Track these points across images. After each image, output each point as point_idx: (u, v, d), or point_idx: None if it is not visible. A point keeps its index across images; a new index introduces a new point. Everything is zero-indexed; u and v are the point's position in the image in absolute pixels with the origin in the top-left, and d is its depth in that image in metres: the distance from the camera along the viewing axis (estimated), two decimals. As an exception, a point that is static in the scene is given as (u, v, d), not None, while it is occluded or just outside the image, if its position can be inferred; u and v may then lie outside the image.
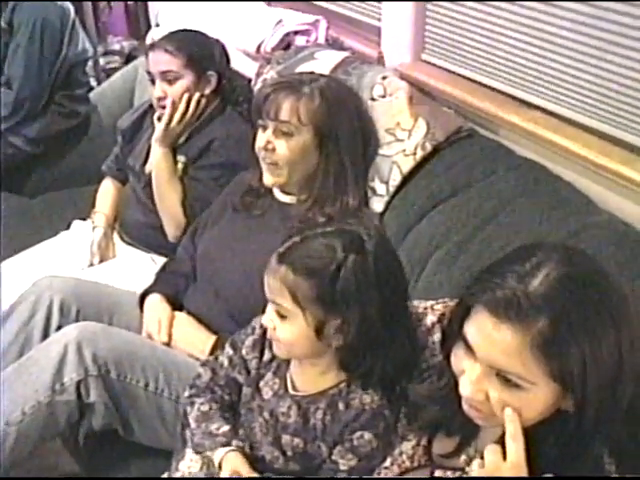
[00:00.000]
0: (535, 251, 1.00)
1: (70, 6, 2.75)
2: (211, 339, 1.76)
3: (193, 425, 1.42)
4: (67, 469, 2.16)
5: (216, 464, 1.36)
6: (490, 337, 0.96)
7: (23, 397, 1.59)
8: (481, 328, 0.97)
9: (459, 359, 1.03)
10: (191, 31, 2.23)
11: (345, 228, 1.26)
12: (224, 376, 1.46)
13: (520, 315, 0.93)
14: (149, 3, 3.70)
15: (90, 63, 3.47)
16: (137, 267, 2.21)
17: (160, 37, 2.20)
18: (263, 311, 1.41)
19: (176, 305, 1.88)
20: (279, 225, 1.79)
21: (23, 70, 2.65)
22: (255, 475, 1.33)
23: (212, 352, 1.70)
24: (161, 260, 2.20)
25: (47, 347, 1.65)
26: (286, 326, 1.25)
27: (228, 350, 1.46)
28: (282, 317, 1.25)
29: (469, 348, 1.00)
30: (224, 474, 1.33)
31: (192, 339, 1.79)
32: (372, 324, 1.22)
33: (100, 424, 1.64)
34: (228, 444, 1.36)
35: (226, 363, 1.46)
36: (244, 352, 1.43)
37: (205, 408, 1.43)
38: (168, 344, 1.79)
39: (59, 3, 2.70)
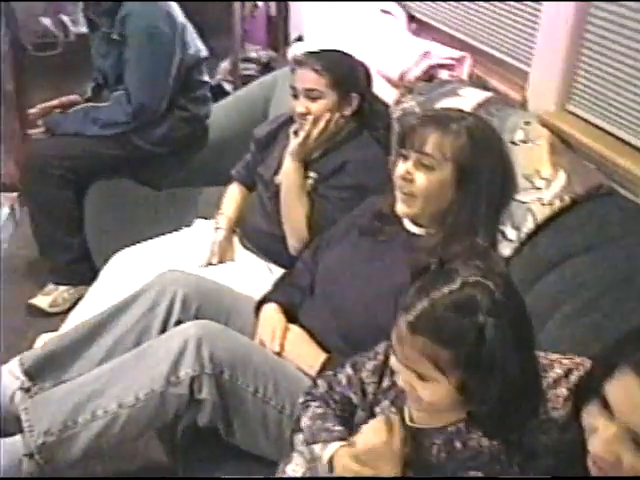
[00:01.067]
0: None
1: (177, 9, 2.81)
2: (322, 356, 1.78)
3: (308, 422, 1.43)
4: (154, 457, 2.21)
5: (325, 458, 1.35)
6: (634, 400, 0.94)
7: (139, 383, 1.65)
8: (625, 389, 0.96)
9: (593, 417, 1.01)
10: (339, 52, 2.27)
11: (470, 281, 1.21)
12: (339, 393, 1.47)
13: None
14: (291, 17, 3.80)
15: (227, 66, 3.58)
16: (253, 273, 2.26)
17: (309, 55, 2.23)
18: (379, 336, 1.43)
19: (290, 317, 1.91)
20: (403, 255, 1.79)
21: (137, 80, 2.74)
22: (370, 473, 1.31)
23: (321, 369, 1.73)
24: (277, 270, 2.24)
25: (168, 339, 1.71)
26: (428, 388, 1.22)
27: (348, 369, 1.47)
28: (422, 379, 1.22)
29: (606, 407, 0.98)
30: (337, 470, 1.32)
31: (303, 353, 1.81)
32: (513, 379, 1.20)
33: (205, 421, 1.68)
34: (343, 440, 1.36)
35: (344, 381, 1.47)
36: (364, 375, 1.44)
37: (321, 410, 1.44)
38: (279, 354, 1.82)
39: (165, 9, 2.75)
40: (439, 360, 1.18)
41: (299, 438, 1.44)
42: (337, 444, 1.35)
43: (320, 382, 1.51)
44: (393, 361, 1.27)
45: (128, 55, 2.73)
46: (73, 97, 2.99)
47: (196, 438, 1.77)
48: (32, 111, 2.94)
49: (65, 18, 3.94)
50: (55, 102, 2.96)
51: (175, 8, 2.79)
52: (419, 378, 1.22)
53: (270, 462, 1.66)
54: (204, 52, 2.95)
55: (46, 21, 3.91)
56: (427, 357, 1.19)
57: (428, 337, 1.18)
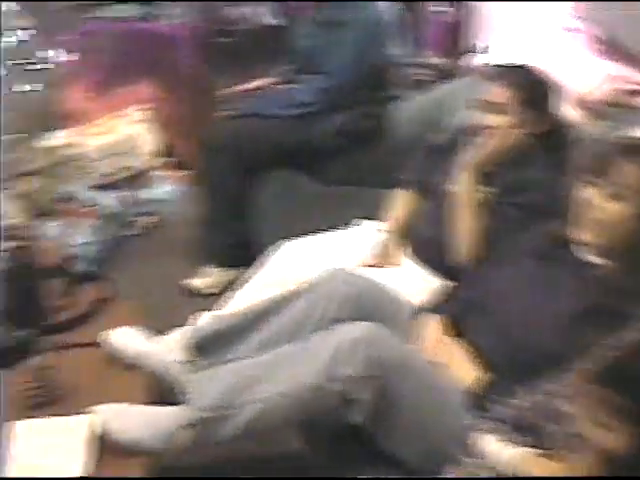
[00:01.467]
0: None
1: (391, 10, 2.90)
2: (480, 374, 1.75)
3: (488, 429, 1.45)
4: (288, 447, 2.22)
5: (512, 461, 1.35)
6: None
7: (299, 375, 1.69)
8: None
9: None
10: (529, 68, 2.23)
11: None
12: (514, 416, 1.46)
13: None
14: (471, 26, 3.77)
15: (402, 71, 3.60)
16: (411, 281, 2.25)
17: (498, 68, 2.21)
18: (538, 360, 1.44)
19: (452, 330, 1.89)
20: (574, 283, 1.73)
21: (336, 61, 2.86)
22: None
23: (480, 388, 1.71)
24: (434, 280, 2.22)
25: (332, 336, 1.74)
26: (607, 435, 1.18)
27: (524, 394, 1.47)
28: (600, 426, 1.19)
29: None
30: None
31: (463, 368, 1.78)
32: None
33: (356, 420, 1.69)
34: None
35: (519, 404, 1.46)
36: (539, 399, 1.43)
37: (498, 425, 1.45)
38: (438, 366, 1.80)
39: (383, 6, 2.88)
40: (619, 409, 1.16)
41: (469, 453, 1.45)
42: (523, 449, 1.35)
43: (494, 406, 1.51)
44: (571, 407, 1.26)
45: (337, 38, 2.85)
46: (262, 81, 3.10)
47: (341, 435, 1.79)
48: (223, 93, 3.08)
49: (248, 9, 4.09)
50: (246, 86, 3.09)
51: (389, 9, 2.92)
52: (598, 426, 1.20)
53: (411, 469, 1.68)
54: (398, 58, 3.04)
55: (231, 9, 4.06)
56: (606, 406, 1.17)
57: (607, 387, 1.17)
